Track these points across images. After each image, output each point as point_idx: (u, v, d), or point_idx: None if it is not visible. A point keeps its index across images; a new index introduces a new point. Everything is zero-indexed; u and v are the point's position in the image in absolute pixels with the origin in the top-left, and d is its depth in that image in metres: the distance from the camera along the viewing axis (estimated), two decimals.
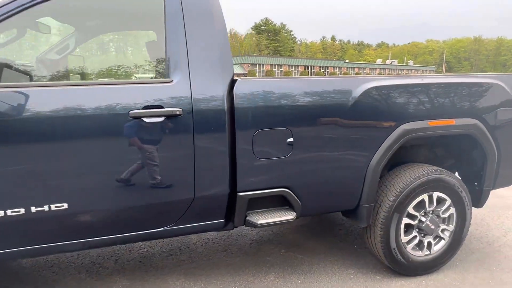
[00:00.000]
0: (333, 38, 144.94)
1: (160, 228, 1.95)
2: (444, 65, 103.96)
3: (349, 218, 2.49)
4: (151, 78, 2.09)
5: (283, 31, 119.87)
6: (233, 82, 1.96)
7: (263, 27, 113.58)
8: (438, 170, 2.41)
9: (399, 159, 2.75)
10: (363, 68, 75.43)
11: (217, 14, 1.99)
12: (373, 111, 2.17)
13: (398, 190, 2.33)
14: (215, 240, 3.09)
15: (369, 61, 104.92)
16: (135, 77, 2.27)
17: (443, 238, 2.55)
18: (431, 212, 2.48)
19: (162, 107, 1.79)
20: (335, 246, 3.00)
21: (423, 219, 2.45)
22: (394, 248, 2.40)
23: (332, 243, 3.04)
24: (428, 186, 2.38)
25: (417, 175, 2.36)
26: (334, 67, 69.64)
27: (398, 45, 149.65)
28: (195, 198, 1.93)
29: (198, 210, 2.00)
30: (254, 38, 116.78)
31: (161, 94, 1.81)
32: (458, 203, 2.50)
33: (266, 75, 56.90)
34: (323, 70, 66.59)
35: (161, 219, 1.94)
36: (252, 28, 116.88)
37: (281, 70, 61.13)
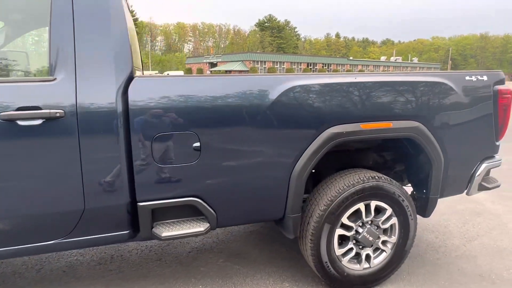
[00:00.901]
0: (337, 35, 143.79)
1: (50, 241, 1.77)
2: (450, 62, 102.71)
3: (280, 228, 2.30)
4: (33, 76, 1.90)
5: (287, 28, 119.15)
6: (129, 81, 1.77)
7: (266, 24, 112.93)
8: (376, 177, 2.21)
9: (347, 163, 2.57)
10: (366, 65, 74.75)
11: (116, 13, 1.80)
12: (295, 113, 1.97)
13: (329, 198, 2.13)
14: (152, 248, 2.92)
15: (373, 58, 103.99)
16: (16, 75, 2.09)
17: (385, 250, 2.35)
18: (369, 222, 2.28)
19: (40, 108, 1.61)
20: (279, 255, 2.80)
21: (360, 230, 2.25)
22: (326, 262, 2.20)
23: (277, 253, 2.85)
24: (364, 194, 2.17)
25: (352, 183, 2.16)
26: (337, 64, 69.05)
27: (403, 42, 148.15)
28: (85, 209, 1.75)
29: (95, 221, 1.82)
30: (257, 35, 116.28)
31: (39, 93, 1.63)
32: (400, 212, 2.30)
33: (268, 72, 56.58)
34: (326, 67, 66.08)
35: (49, 232, 1.76)
36: (255, 25, 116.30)
37: (283, 67, 60.78)
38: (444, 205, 3.84)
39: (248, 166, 1.95)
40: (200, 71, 62.42)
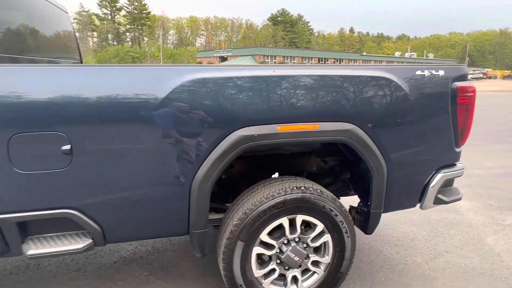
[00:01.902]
0: (351, 30, 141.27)
1: None
2: (467, 59, 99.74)
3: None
4: None
5: (300, 22, 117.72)
6: None
7: (279, 18, 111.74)
8: (303, 188, 1.88)
9: (286, 169, 2.26)
10: (379, 61, 73.19)
11: None
12: (195, 111, 1.65)
13: (244, 212, 1.82)
14: (75, 256, 2.66)
15: (387, 54, 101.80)
16: None
17: (316, 272, 2.03)
18: (295, 239, 1.96)
19: None
20: (211, 271, 2.50)
21: (284, 248, 1.94)
22: (240, 285, 1.90)
23: (211, 267, 2.55)
24: (286, 207, 1.85)
25: (271, 194, 1.84)
26: (349, 59, 67.82)
27: (419, 38, 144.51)
28: None
29: None
30: (270, 30, 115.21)
31: None
32: (333, 229, 1.97)
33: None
34: (338, 62, 64.97)
35: None
36: (268, 19, 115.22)
37: (294, 62, 60.01)
38: (418, 214, 3.48)
39: (137, 173, 1.65)
40: None
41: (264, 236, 1.88)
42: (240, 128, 1.70)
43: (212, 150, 1.70)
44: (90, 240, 1.67)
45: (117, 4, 79.87)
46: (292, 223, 1.92)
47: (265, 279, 1.96)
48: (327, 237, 1.98)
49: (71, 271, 2.48)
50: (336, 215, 1.94)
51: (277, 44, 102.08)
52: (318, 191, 1.91)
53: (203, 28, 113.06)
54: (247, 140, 1.71)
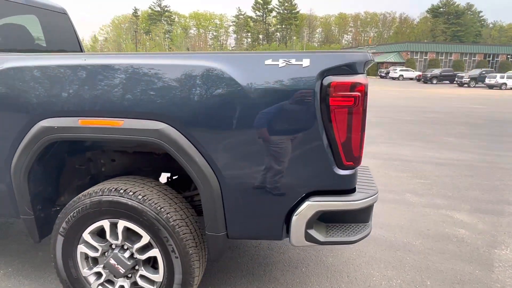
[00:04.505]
0: None
1: None
2: None
3: None
4: None
5: (469, 12, 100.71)
6: None
7: (441, 10, 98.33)
8: (121, 190, 1.69)
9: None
10: None
11: None
12: (2, 99, 1.69)
13: (65, 207, 1.78)
14: None
15: None
16: None
17: None
18: (118, 246, 1.78)
19: None
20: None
21: (108, 253, 1.79)
22: (65, 280, 1.86)
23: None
24: (101, 209, 1.71)
25: (90, 192, 1.73)
26: None
27: None
28: None
29: None
30: (428, 23, 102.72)
31: None
32: (159, 245, 1.70)
33: (429, 65, 49.57)
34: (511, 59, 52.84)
35: None
36: (427, 11, 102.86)
37: (450, 59, 51.99)
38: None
39: None
40: None
41: (86, 236, 1.78)
42: (43, 119, 1.65)
43: (22, 139, 1.70)
44: None
45: (269, 6, 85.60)
46: (113, 227, 1.75)
47: (96, 280, 1.86)
48: (155, 252, 1.73)
49: None
50: (159, 229, 1.66)
51: (436, 38, 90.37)
52: (140, 197, 1.68)
53: (351, 25, 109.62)
54: (48, 132, 1.65)
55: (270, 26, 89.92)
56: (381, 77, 44.95)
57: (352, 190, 1.59)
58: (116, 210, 1.69)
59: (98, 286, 1.86)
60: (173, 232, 1.66)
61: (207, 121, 1.53)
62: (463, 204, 3.70)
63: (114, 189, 1.70)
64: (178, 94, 1.53)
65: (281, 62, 1.48)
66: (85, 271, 1.84)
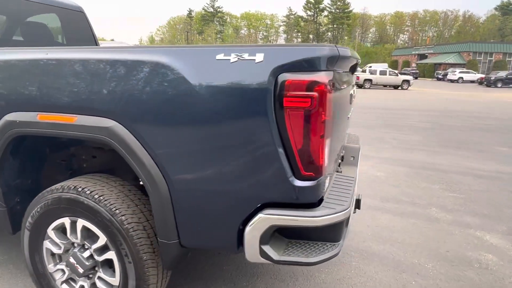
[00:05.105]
0: None
1: None
2: None
3: None
4: None
5: None
6: None
7: None
8: (80, 188, 1.64)
9: None
10: None
11: None
12: None
13: (32, 202, 1.78)
14: None
15: None
16: None
17: None
18: (79, 245, 1.74)
19: None
20: None
21: (70, 251, 1.76)
22: (32, 274, 1.86)
23: None
24: (61, 206, 1.68)
25: (52, 188, 1.72)
26: None
27: None
28: None
29: None
30: (497, 21, 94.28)
31: None
32: (116, 247, 1.63)
33: (494, 66, 45.42)
34: None
35: None
36: (495, 8, 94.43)
37: None
38: None
39: None
40: (406, 64, 57.10)
41: (50, 232, 1.77)
42: (8, 113, 1.66)
43: None
44: None
45: (320, 5, 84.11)
46: (73, 225, 1.71)
47: (60, 278, 1.84)
48: (111, 254, 1.66)
49: None
50: (113, 232, 1.60)
51: (505, 38, 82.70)
52: (96, 197, 1.62)
53: (409, 24, 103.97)
54: (12, 126, 1.65)
55: (321, 25, 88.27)
56: (438, 79, 42.07)
57: (313, 204, 1.39)
58: (74, 209, 1.65)
59: (62, 284, 1.84)
60: (126, 236, 1.58)
61: (154, 120, 1.42)
62: (499, 225, 3.23)
63: (73, 187, 1.65)
64: (126, 90, 1.44)
65: (232, 57, 1.33)
66: (50, 267, 1.83)
